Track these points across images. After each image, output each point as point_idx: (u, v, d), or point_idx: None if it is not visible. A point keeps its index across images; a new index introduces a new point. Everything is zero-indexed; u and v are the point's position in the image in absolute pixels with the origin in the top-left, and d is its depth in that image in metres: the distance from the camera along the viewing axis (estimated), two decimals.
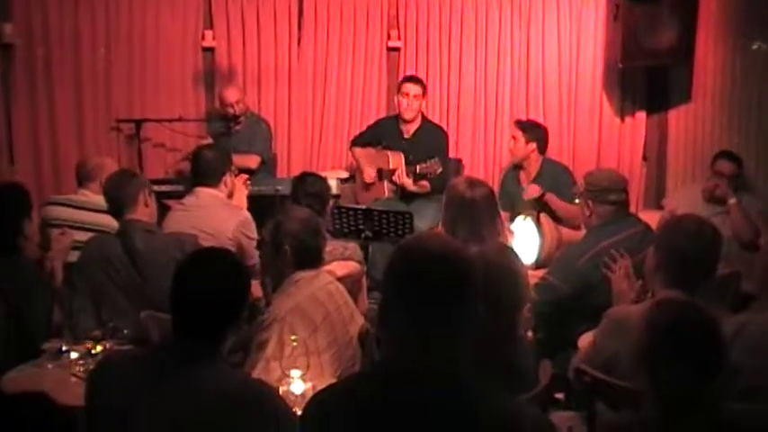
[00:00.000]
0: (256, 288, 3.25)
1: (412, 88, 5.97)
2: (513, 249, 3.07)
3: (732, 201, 5.16)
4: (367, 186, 6.13)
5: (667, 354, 2.04)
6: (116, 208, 3.76)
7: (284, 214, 3.31)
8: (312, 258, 3.23)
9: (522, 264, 2.92)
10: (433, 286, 1.79)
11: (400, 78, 6.57)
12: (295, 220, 3.25)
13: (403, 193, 5.92)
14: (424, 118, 6.09)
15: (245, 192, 4.81)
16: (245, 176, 4.88)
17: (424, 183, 5.78)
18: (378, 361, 2.54)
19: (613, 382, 2.84)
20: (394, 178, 5.84)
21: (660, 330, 2.06)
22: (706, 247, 2.93)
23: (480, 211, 3.77)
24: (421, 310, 1.78)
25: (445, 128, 6.30)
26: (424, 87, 6.05)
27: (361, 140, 6.27)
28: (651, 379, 2.06)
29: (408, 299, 1.80)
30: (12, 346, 3.17)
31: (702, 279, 2.91)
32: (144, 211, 3.74)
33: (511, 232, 4.29)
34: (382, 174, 6.04)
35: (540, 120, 6.37)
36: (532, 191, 5.29)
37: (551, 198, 5.27)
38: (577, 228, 4.67)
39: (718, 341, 2.07)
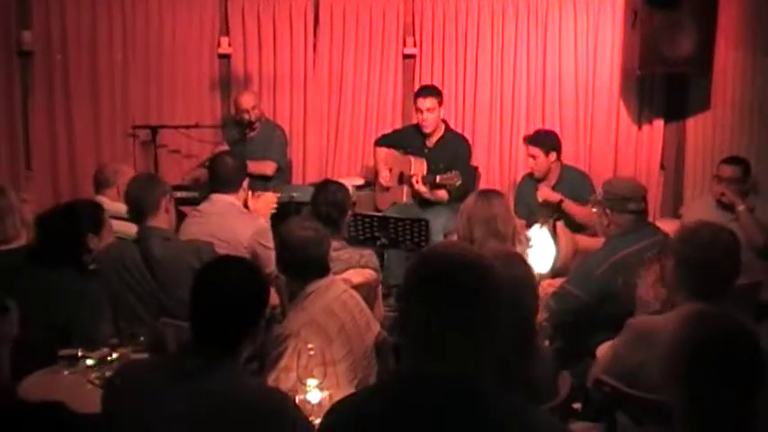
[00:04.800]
0: (273, 296, 3.24)
1: (424, 102, 5.91)
2: (521, 257, 3.04)
3: (740, 207, 5.09)
4: (384, 189, 6.12)
5: (710, 371, 1.96)
6: (137, 212, 3.76)
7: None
8: (310, 272, 3.20)
9: (531, 271, 2.88)
10: (451, 291, 1.77)
11: (416, 87, 6.57)
12: (277, 247, 3.33)
13: (420, 198, 5.91)
14: (447, 128, 6.05)
15: (272, 206, 4.77)
16: (274, 195, 4.86)
17: (442, 192, 5.74)
18: (397, 368, 2.53)
19: (634, 394, 2.81)
20: (412, 182, 5.82)
21: (701, 347, 1.99)
22: (723, 253, 2.87)
23: (497, 221, 3.80)
24: (438, 315, 1.76)
25: None
26: (439, 95, 5.98)
27: (386, 141, 6.23)
28: (689, 396, 2.00)
29: (426, 304, 1.78)
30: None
31: (724, 287, 2.87)
32: (164, 218, 3.74)
33: (527, 240, 4.26)
34: (403, 178, 6.01)
35: (557, 127, 6.36)
36: (544, 193, 5.24)
37: (569, 205, 5.24)
38: (596, 234, 4.64)
39: (761, 355, 1.99)
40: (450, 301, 1.77)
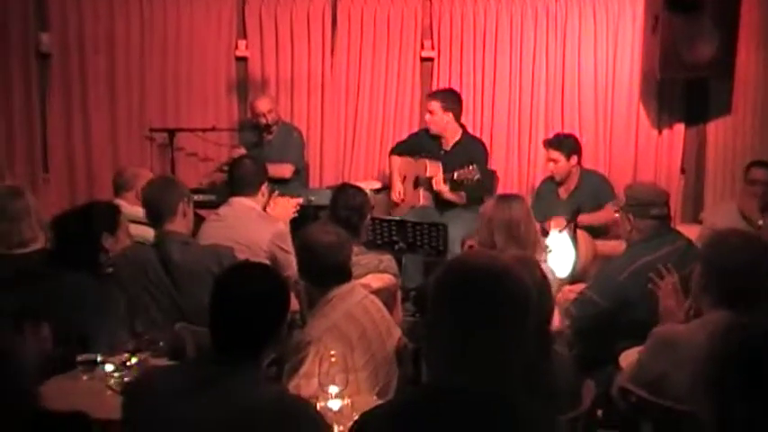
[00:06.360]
0: (294, 301, 3.21)
1: (428, 105, 5.95)
2: (534, 260, 2.99)
3: (760, 222, 5.01)
4: (394, 203, 6.11)
5: (742, 382, 1.93)
6: (155, 216, 3.72)
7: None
8: (332, 277, 3.16)
9: (544, 275, 2.84)
10: (477, 301, 1.75)
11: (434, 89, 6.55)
12: (299, 252, 3.28)
13: (438, 201, 5.87)
14: (464, 132, 6.02)
15: (292, 210, 4.73)
16: (297, 200, 4.82)
17: (461, 193, 5.72)
18: (424, 380, 2.51)
19: (660, 403, 2.77)
20: (432, 183, 5.79)
21: (733, 357, 1.96)
22: (753, 262, 2.82)
23: (518, 225, 3.76)
24: (467, 326, 1.75)
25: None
26: (445, 99, 5.93)
27: (399, 149, 6.21)
28: (720, 407, 1.96)
29: (452, 315, 1.77)
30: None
31: (753, 296, 2.82)
32: (182, 223, 3.70)
33: (545, 246, 4.20)
34: (419, 181, 5.98)
35: (576, 131, 6.30)
36: (557, 224, 5.16)
37: (583, 218, 5.16)
38: (617, 237, 4.59)
39: None
40: (476, 311, 1.75)
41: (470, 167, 5.49)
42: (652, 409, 2.82)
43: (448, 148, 5.96)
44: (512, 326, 1.75)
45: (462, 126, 6.01)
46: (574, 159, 5.51)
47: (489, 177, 6.00)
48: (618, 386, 2.98)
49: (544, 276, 2.80)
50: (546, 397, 2.37)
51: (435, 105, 5.90)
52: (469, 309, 1.75)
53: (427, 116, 5.95)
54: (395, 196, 6.10)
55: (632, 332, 3.30)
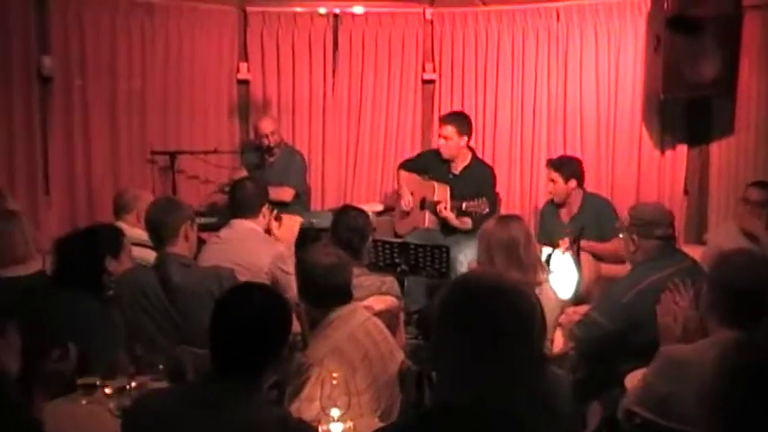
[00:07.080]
0: (295, 323, 3.18)
1: (443, 130, 5.88)
2: (530, 286, 2.96)
3: (766, 239, 4.98)
4: (404, 214, 6.06)
5: (754, 405, 1.90)
6: (157, 237, 3.71)
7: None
8: (332, 299, 3.13)
9: (533, 298, 2.80)
10: (485, 319, 1.73)
11: (435, 112, 6.55)
12: (299, 274, 3.24)
13: (443, 225, 5.83)
14: (474, 156, 5.99)
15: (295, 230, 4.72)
16: (298, 218, 4.82)
17: (467, 219, 5.68)
18: (434, 400, 2.48)
19: (667, 425, 2.73)
20: (438, 209, 5.75)
21: (745, 379, 1.93)
22: (760, 281, 2.81)
23: (518, 246, 3.72)
24: (472, 344, 1.72)
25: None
26: (460, 123, 5.88)
27: (409, 165, 6.18)
28: (727, 427, 1.93)
29: (459, 332, 1.75)
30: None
31: (759, 315, 2.79)
32: (184, 245, 3.68)
33: (545, 269, 4.15)
34: (425, 203, 5.95)
35: (578, 152, 6.30)
36: (563, 245, 5.11)
37: (587, 244, 5.13)
38: (619, 263, 4.56)
39: None
40: (481, 328, 1.73)
41: (480, 200, 5.45)
42: (657, 430, 2.78)
43: (457, 172, 5.92)
44: (517, 342, 1.73)
45: (471, 149, 5.98)
46: (572, 183, 5.48)
47: (494, 204, 5.97)
48: (623, 408, 2.94)
49: (538, 300, 2.77)
50: (545, 417, 2.34)
51: (450, 130, 5.84)
52: (474, 326, 1.73)
53: (441, 141, 5.87)
54: (404, 204, 6.05)
55: (638, 353, 3.26)
